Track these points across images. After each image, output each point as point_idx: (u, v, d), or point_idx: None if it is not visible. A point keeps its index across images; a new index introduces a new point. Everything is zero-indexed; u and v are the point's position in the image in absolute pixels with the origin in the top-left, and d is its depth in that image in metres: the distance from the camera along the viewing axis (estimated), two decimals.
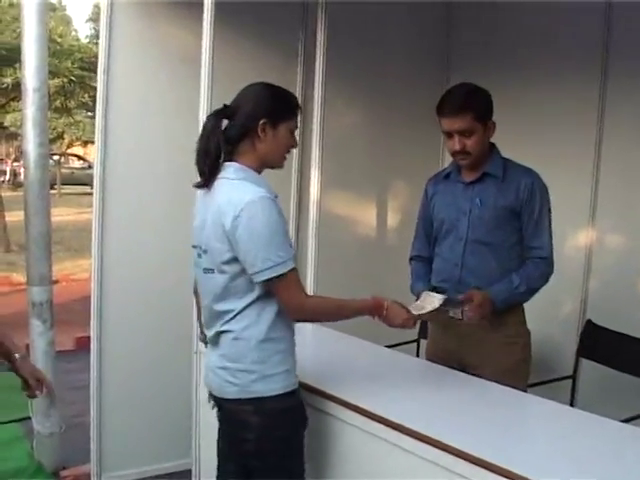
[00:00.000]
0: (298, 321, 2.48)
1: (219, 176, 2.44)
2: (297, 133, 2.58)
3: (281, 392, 2.41)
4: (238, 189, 2.38)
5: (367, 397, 2.55)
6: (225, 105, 2.50)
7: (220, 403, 2.55)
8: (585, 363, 3.89)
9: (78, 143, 31.11)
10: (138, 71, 3.91)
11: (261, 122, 2.43)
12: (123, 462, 4.01)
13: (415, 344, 4.35)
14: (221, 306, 2.44)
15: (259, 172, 2.49)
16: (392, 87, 4.67)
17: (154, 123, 3.95)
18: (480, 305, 2.95)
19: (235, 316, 2.41)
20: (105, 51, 3.76)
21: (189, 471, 3.55)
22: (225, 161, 2.45)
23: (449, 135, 3.03)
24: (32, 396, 2.59)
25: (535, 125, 4.34)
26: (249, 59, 4.05)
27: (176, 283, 3.86)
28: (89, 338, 4.00)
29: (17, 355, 2.54)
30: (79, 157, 32.01)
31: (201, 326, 2.73)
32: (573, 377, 3.84)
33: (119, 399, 3.95)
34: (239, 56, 4.00)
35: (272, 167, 2.55)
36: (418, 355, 4.25)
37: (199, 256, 2.50)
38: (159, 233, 3.98)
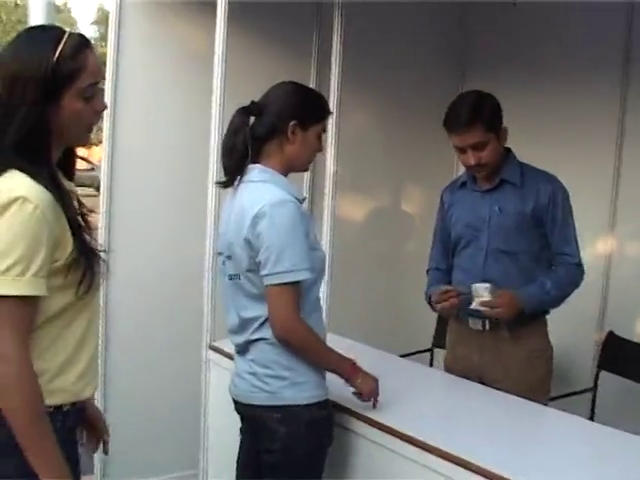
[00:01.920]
0: (281, 342, 2.30)
1: (243, 179, 2.38)
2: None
3: (311, 402, 2.33)
4: (261, 191, 2.31)
5: (385, 411, 2.47)
6: (253, 102, 2.41)
7: (245, 411, 2.46)
8: (604, 375, 3.79)
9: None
10: (147, 72, 3.82)
11: (291, 123, 2.35)
12: (128, 472, 3.90)
13: (429, 353, 4.26)
14: (249, 313, 2.36)
15: (285, 175, 2.41)
16: (406, 90, 4.59)
17: (164, 125, 3.87)
18: (502, 303, 2.83)
19: (264, 322, 2.32)
20: (114, 52, 3.69)
21: None
22: (250, 163, 2.38)
23: (462, 150, 2.92)
24: (94, 449, 2.18)
25: (553, 129, 4.25)
26: (262, 60, 3.97)
27: (185, 289, 3.78)
28: None
29: None
30: (82, 159, 32.10)
31: None
32: (594, 390, 3.75)
33: (124, 408, 3.84)
34: (252, 57, 3.92)
35: (297, 171, 2.49)
36: (432, 364, 4.16)
37: (223, 263, 2.44)
38: (168, 236, 3.89)
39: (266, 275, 2.24)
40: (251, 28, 3.82)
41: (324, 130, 2.48)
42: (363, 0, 3.88)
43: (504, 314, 2.86)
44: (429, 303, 3.11)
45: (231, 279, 2.40)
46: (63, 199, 1.75)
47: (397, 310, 4.63)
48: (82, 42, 1.78)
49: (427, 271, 3.28)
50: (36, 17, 3.22)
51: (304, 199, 2.45)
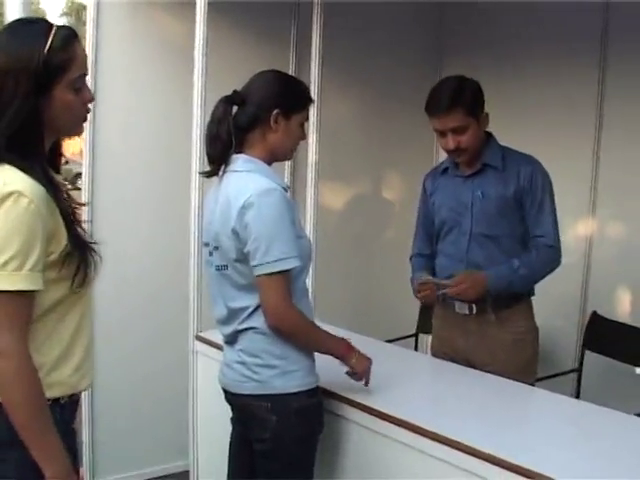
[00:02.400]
0: (274, 330, 2.29)
1: (228, 169, 2.37)
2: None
3: (301, 389, 2.33)
4: (246, 181, 2.30)
5: (375, 396, 2.48)
6: (235, 91, 2.40)
7: (234, 400, 2.46)
8: (588, 355, 3.84)
9: None
10: (127, 65, 3.80)
11: (274, 112, 2.34)
12: (117, 466, 3.91)
13: (414, 339, 4.29)
14: (237, 303, 2.35)
15: (269, 164, 2.40)
16: (385, 78, 4.60)
17: (145, 118, 3.85)
18: (462, 281, 2.87)
19: (253, 312, 2.32)
20: (92, 46, 3.65)
21: (186, 472, 3.45)
22: (234, 152, 2.36)
23: (442, 134, 2.92)
24: None
25: (532, 113, 4.29)
26: (241, 52, 3.96)
27: (169, 283, 3.79)
28: None
29: None
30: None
31: None
32: (579, 370, 3.79)
33: (111, 400, 3.84)
34: (231, 49, 3.92)
35: (281, 160, 2.50)
36: (416, 349, 4.19)
37: (210, 254, 2.42)
38: (150, 231, 3.88)
39: (256, 265, 2.23)
40: (230, 20, 3.82)
41: (307, 118, 2.48)
42: None
43: (468, 292, 2.88)
44: (413, 288, 3.11)
45: (218, 270, 2.39)
46: (56, 193, 1.75)
47: (381, 296, 4.66)
48: (71, 34, 1.79)
49: (410, 257, 3.28)
50: (12, 10, 3.22)
51: (288, 188, 2.44)
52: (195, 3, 3.16)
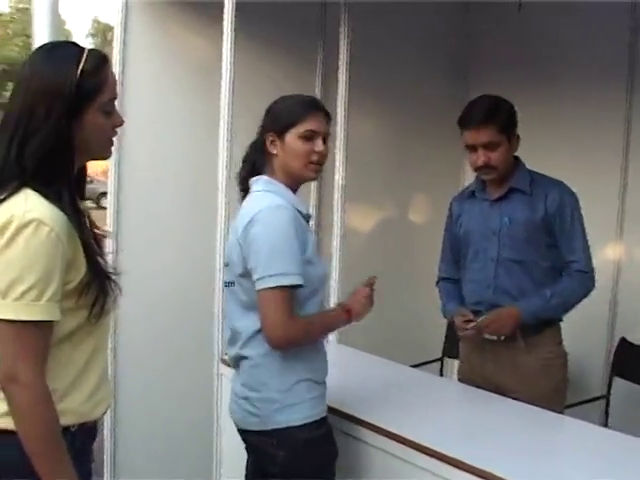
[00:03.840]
0: (276, 347, 2.24)
1: (250, 190, 2.40)
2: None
3: (306, 422, 2.28)
4: (260, 199, 2.31)
5: (400, 421, 2.44)
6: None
7: (243, 435, 2.43)
8: (616, 382, 3.77)
9: None
10: (153, 82, 3.79)
11: (268, 137, 2.37)
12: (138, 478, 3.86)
13: (439, 363, 4.23)
14: (239, 323, 2.34)
15: (293, 187, 2.40)
16: (412, 99, 4.56)
17: (170, 135, 3.83)
18: (496, 319, 2.87)
19: (252, 337, 2.29)
20: (119, 66, 3.66)
21: None
22: (258, 175, 2.41)
23: (472, 149, 2.91)
24: None
25: (559, 136, 4.24)
26: (267, 68, 3.94)
27: (196, 301, 3.74)
28: None
29: None
30: None
31: None
32: (607, 397, 3.72)
33: (135, 414, 3.80)
34: (258, 64, 3.88)
35: (299, 179, 2.40)
36: (442, 374, 4.14)
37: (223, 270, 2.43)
38: (177, 249, 3.85)
39: (257, 280, 2.20)
40: (257, 36, 3.80)
41: (310, 130, 2.34)
42: (369, 1, 3.86)
43: (502, 331, 2.89)
44: (446, 317, 3.14)
45: (227, 286, 2.41)
46: (78, 221, 1.76)
47: (406, 319, 4.60)
48: (102, 58, 1.82)
49: (437, 282, 3.26)
50: (41, 30, 3.23)
51: (309, 215, 2.42)
52: (221, 23, 3.18)
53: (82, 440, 1.83)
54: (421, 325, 4.30)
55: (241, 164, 2.47)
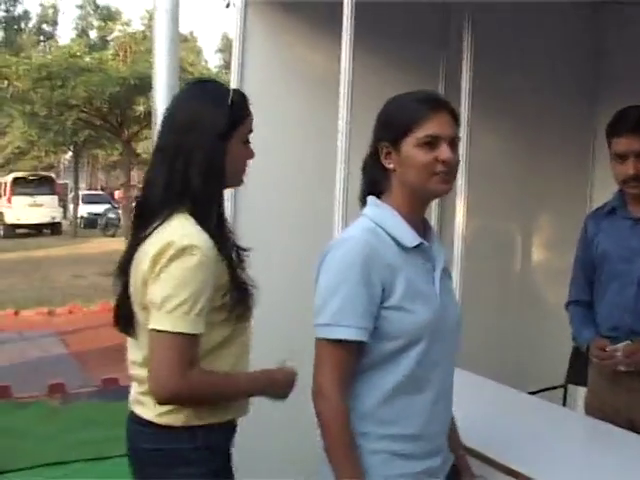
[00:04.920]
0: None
1: None
2: None
3: None
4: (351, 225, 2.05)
5: (517, 456, 2.27)
6: None
7: None
8: None
9: None
10: (270, 97, 3.77)
11: (382, 148, 1.96)
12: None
13: (562, 390, 3.99)
14: None
15: (418, 209, 2.00)
16: (538, 114, 4.38)
17: (286, 151, 3.80)
18: (637, 350, 2.67)
19: None
20: (237, 77, 3.66)
21: None
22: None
23: (622, 158, 2.73)
24: None
25: None
26: (387, 81, 3.84)
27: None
28: None
29: None
30: None
31: None
32: None
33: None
34: (376, 79, 3.80)
35: (431, 196, 2.03)
36: (565, 404, 3.89)
37: None
38: (290, 272, 3.78)
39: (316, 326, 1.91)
40: (376, 49, 3.74)
41: (431, 136, 1.89)
42: (493, 4, 3.71)
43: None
44: (578, 344, 3.00)
45: None
46: (225, 242, 2.01)
47: (527, 342, 4.40)
48: (244, 95, 2.11)
49: (567, 304, 3.07)
50: (161, 45, 3.26)
51: (420, 245, 1.96)
52: (340, 34, 3.11)
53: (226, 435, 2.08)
54: (544, 348, 4.08)
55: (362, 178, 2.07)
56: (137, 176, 30.66)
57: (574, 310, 3.03)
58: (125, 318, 2.06)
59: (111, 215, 25.41)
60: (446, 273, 2.08)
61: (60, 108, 17.26)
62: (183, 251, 1.88)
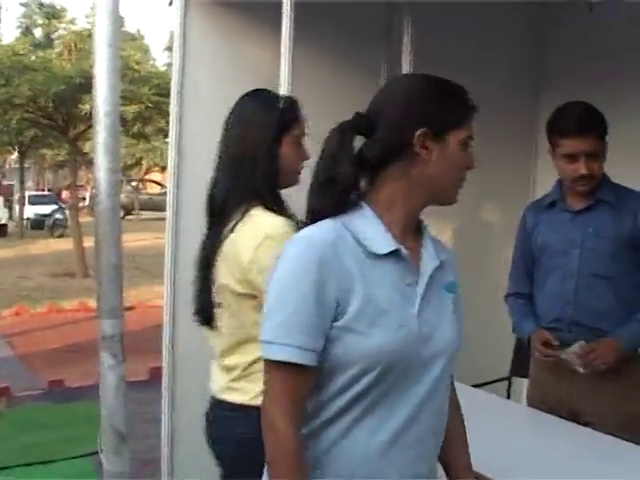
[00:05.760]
0: None
1: None
2: None
3: None
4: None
5: None
6: (358, 113, 1.66)
7: None
8: None
9: (156, 169, 31.81)
10: (214, 94, 3.75)
11: (418, 133, 1.62)
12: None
13: (506, 383, 4.02)
14: None
15: (392, 205, 1.65)
16: (480, 107, 4.40)
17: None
18: (593, 352, 2.68)
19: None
20: (178, 74, 3.65)
21: None
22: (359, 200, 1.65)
23: (572, 158, 2.73)
24: None
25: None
26: (327, 80, 3.88)
27: None
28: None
29: None
30: (157, 183, 32.61)
31: None
32: None
33: (193, 434, 3.71)
34: (317, 77, 3.83)
35: (440, 200, 1.74)
36: (509, 396, 3.92)
37: None
38: None
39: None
40: (316, 48, 3.74)
41: (470, 137, 1.75)
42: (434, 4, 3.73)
43: (600, 366, 2.69)
44: (520, 336, 3.04)
45: None
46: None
47: (470, 335, 4.42)
48: (294, 100, 2.30)
49: (506, 296, 3.09)
50: (101, 42, 3.21)
51: (395, 252, 1.62)
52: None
53: None
54: (486, 340, 4.11)
55: (317, 185, 1.64)
56: (84, 176, 30.21)
57: (514, 302, 3.05)
58: (205, 311, 2.22)
59: (58, 216, 24.96)
60: (450, 289, 1.77)
61: (4, 107, 16.92)
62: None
